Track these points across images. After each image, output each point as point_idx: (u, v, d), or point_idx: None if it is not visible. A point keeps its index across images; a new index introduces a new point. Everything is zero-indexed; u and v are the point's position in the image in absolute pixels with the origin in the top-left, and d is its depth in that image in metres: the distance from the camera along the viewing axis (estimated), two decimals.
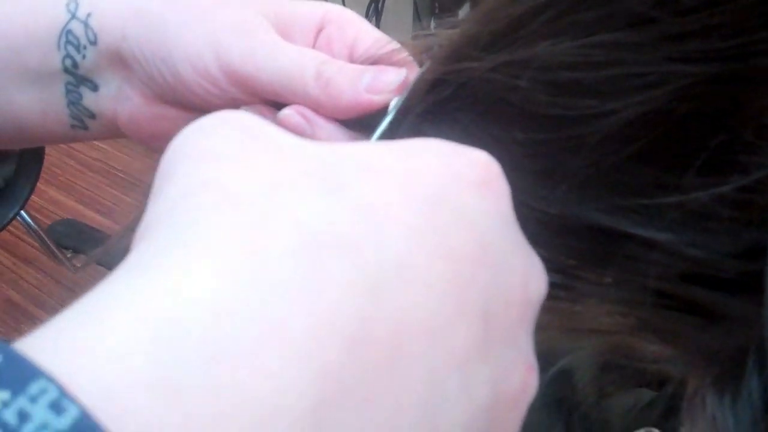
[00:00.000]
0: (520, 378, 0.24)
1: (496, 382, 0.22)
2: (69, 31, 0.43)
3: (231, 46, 0.40)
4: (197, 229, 0.20)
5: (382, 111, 0.37)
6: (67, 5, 0.44)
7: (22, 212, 1.73)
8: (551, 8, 0.28)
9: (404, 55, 0.39)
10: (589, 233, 0.28)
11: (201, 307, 0.18)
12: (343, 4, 1.63)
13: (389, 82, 0.37)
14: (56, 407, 0.15)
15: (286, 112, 0.40)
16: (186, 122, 0.44)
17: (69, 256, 1.95)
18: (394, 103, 0.36)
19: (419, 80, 0.35)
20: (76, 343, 0.17)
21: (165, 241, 0.20)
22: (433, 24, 1.57)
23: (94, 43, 0.43)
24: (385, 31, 1.40)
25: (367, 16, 1.59)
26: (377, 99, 0.37)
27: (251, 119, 0.24)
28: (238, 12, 0.42)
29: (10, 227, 1.69)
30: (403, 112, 0.35)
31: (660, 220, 0.27)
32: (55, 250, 1.91)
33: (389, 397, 0.19)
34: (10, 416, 0.15)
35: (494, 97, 0.30)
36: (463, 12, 1.56)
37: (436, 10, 1.57)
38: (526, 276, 0.24)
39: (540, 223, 0.27)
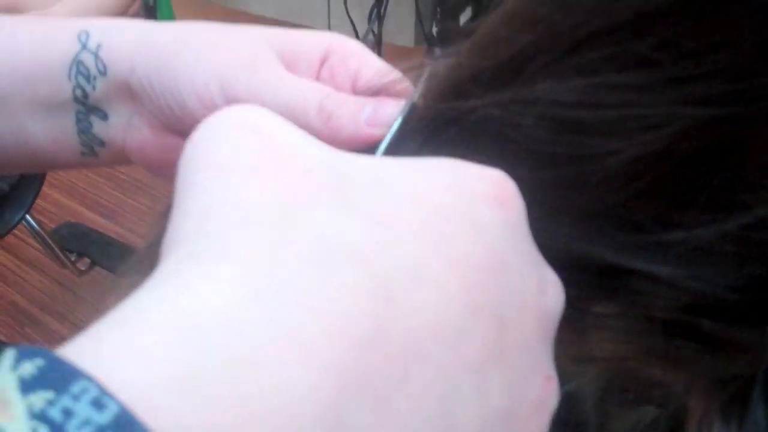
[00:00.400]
0: (539, 387, 0.24)
1: (512, 388, 0.23)
2: (79, 62, 0.44)
3: (237, 78, 0.41)
4: (220, 244, 0.21)
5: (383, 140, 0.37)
6: (78, 36, 0.44)
7: (26, 215, 1.74)
8: (555, 47, 0.28)
9: (406, 85, 0.40)
10: (592, 266, 0.28)
11: (223, 315, 0.19)
12: (346, 9, 1.63)
13: (389, 114, 0.38)
14: (97, 404, 0.16)
15: None
16: None
17: (73, 259, 1.96)
18: (394, 126, 0.36)
19: (416, 111, 0.35)
20: (111, 348, 0.18)
21: (190, 255, 0.21)
22: (435, 28, 1.57)
23: (103, 74, 0.44)
24: (387, 36, 1.40)
25: (369, 22, 1.60)
26: (377, 132, 0.38)
27: (265, 120, 0.25)
28: (244, 44, 0.43)
29: (14, 230, 1.70)
30: (400, 138, 0.36)
31: (663, 254, 0.28)
32: (59, 254, 1.92)
33: (405, 398, 0.20)
34: (55, 413, 0.16)
35: (495, 134, 0.30)
36: (465, 17, 1.56)
37: (438, 16, 1.57)
38: (540, 286, 0.25)
39: (543, 255, 0.27)
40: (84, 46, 0.44)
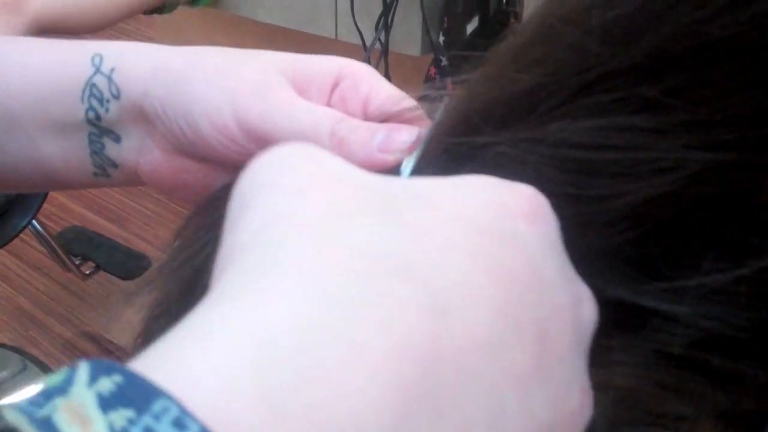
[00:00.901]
0: (576, 399, 0.25)
1: (553, 401, 0.23)
2: (93, 85, 0.44)
3: (249, 104, 0.41)
4: (278, 257, 0.22)
5: (396, 169, 0.37)
6: (92, 59, 0.45)
7: (32, 220, 1.75)
8: (566, 88, 0.29)
9: (417, 111, 0.40)
10: (604, 301, 0.28)
11: (292, 332, 0.19)
12: (353, 18, 1.63)
13: (401, 141, 0.38)
14: (179, 424, 0.17)
15: None
16: (206, 175, 0.46)
17: (77, 262, 1.97)
18: (405, 164, 0.37)
19: (426, 146, 0.36)
20: (186, 365, 0.19)
21: (250, 270, 0.22)
22: (441, 38, 1.57)
23: (117, 97, 0.44)
24: (394, 45, 1.39)
25: (376, 31, 1.60)
26: (389, 158, 0.38)
27: (317, 151, 0.26)
28: (256, 70, 0.43)
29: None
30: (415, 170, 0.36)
31: (677, 295, 0.28)
32: (64, 257, 1.93)
33: (457, 412, 0.21)
34: None
35: (504, 171, 0.30)
36: (472, 26, 1.57)
37: (445, 25, 1.57)
38: (576, 299, 0.25)
39: None
40: (98, 70, 0.44)
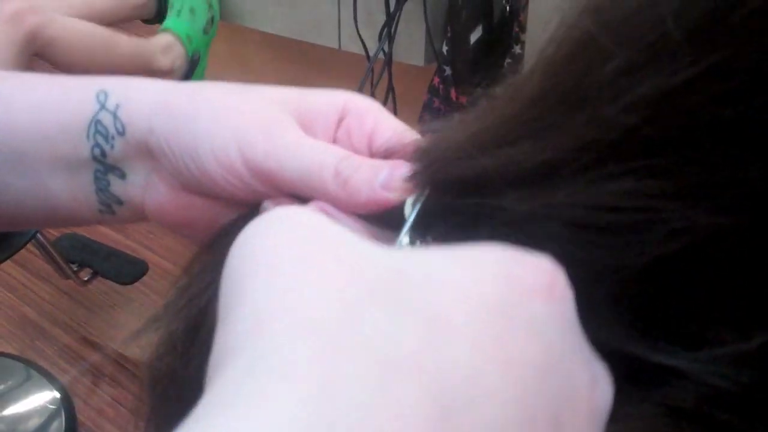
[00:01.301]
0: None
1: None
2: (98, 122, 0.44)
3: (255, 142, 0.41)
4: (274, 359, 0.21)
5: (401, 206, 0.37)
6: (97, 95, 0.45)
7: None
8: (581, 160, 0.28)
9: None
10: (614, 357, 0.28)
11: None
12: (357, 29, 1.64)
13: (404, 178, 0.38)
14: None
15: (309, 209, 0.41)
16: (211, 212, 0.45)
17: (75, 269, 1.96)
18: (409, 202, 0.37)
19: (426, 206, 0.36)
20: None
21: (246, 372, 0.21)
22: (445, 47, 1.58)
23: (122, 133, 0.44)
24: (398, 55, 1.39)
25: (379, 41, 1.60)
26: (393, 196, 0.38)
27: (314, 221, 0.26)
28: (262, 108, 0.43)
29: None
30: (425, 221, 0.36)
31: (687, 353, 0.28)
32: (63, 264, 1.93)
33: None
34: None
35: (510, 228, 0.31)
36: (475, 36, 1.57)
37: (449, 34, 1.58)
38: (591, 382, 0.25)
39: None
40: (102, 106, 0.44)
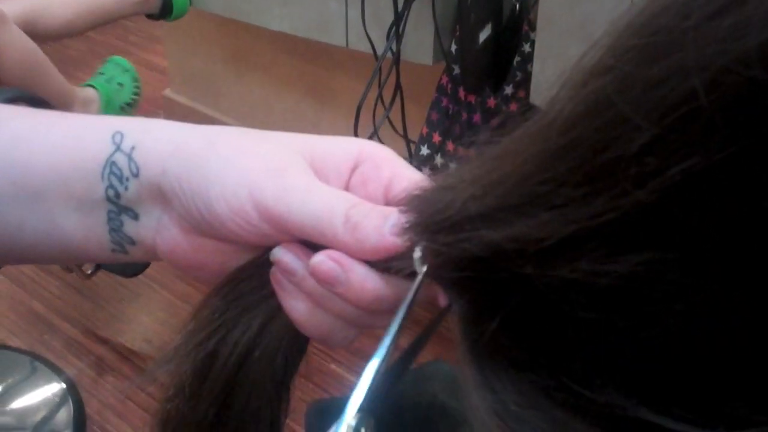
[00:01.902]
0: None
1: None
2: (113, 163, 0.45)
3: (265, 186, 0.42)
4: None
5: (409, 254, 0.38)
6: (113, 137, 0.45)
7: None
8: (605, 230, 0.27)
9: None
10: (630, 423, 0.28)
11: None
12: (365, 28, 1.64)
13: None
14: None
15: (319, 259, 0.41)
16: (223, 255, 0.46)
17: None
18: (417, 254, 0.37)
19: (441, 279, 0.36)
20: None
21: None
22: (453, 46, 1.58)
23: (136, 175, 0.45)
24: (406, 54, 1.39)
25: (387, 40, 1.61)
26: (402, 241, 0.38)
27: None
28: (274, 151, 0.44)
29: None
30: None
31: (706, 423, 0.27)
32: None
33: None
34: None
35: (522, 299, 0.31)
36: (484, 35, 1.57)
37: (457, 33, 1.58)
38: None
39: (580, 409, 0.28)
40: (118, 148, 0.45)
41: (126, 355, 1.94)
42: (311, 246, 0.43)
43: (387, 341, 0.37)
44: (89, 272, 1.84)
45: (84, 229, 0.46)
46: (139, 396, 1.81)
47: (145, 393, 1.80)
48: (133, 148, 0.45)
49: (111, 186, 0.45)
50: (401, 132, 1.77)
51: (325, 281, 0.41)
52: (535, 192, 0.29)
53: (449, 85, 1.64)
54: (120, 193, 0.45)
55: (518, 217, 0.30)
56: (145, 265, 1.95)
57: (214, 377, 0.45)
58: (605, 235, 0.27)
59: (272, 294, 0.44)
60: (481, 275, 0.32)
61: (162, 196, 0.45)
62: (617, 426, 0.28)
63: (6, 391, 1.80)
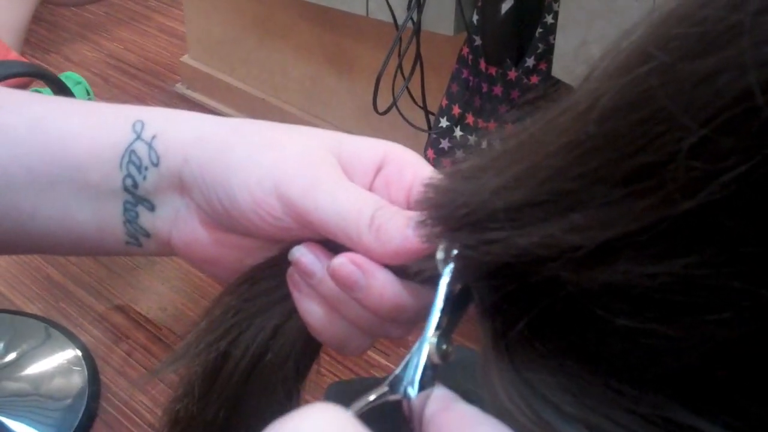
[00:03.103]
0: None
1: None
2: (132, 152, 0.44)
3: (293, 179, 0.41)
4: None
5: (432, 258, 0.36)
6: (133, 125, 0.44)
7: None
8: (646, 235, 0.26)
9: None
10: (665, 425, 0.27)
11: None
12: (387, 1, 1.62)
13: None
14: None
15: (340, 261, 0.40)
16: (239, 251, 0.45)
17: None
18: (440, 255, 0.35)
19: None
20: None
21: None
22: (475, 17, 1.55)
23: (156, 164, 0.44)
24: (426, 24, 1.38)
25: (408, 9, 1.58)
26: (425, 244, 0.37)
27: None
28: (304, 145, 0.43)
29: None
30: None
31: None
32: None
33: None
34: None
35: (563, 305, 0.29)
36: (507, 5, 1.55)
37: (479, 4, 1.55)
38: None
39: (630, 413, 0.27)
40: (138, 136, 0.44)
41: (141, 322, 1.94)
42: (331, 248, 0.42)
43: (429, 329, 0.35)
44: None
45: (98, 219, 0.46)
46: (154, 364, 1.81)
47: (159, 362, 1.80)
48: (154, 137, 0.44)
49: (129, 175, 0.44)
50: (420, 103, 1.75)
51: (345, 285, 0.40)
52: (566, 189, 0.27)
53: (470, 57, 1.62)
54: (138, 183, 0.44)
55: (548, 216, 0.28)
56: None
57: (224, 379, 0.44)
58: (647, 241, 0.25)
59: (288, 296, 0.43)
60: (507, 280, 0.31)
61: (182, 186, 0.44)
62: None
63: (21, 357, 1.81)
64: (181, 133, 0.44)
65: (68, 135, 0.45)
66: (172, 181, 0.44)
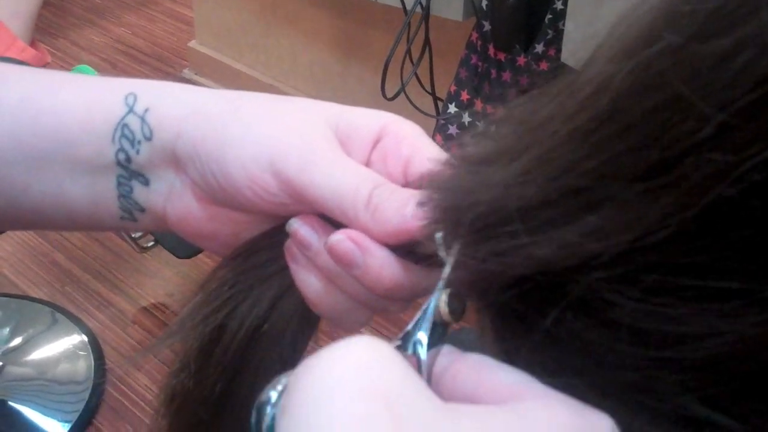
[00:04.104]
0: None
1: None
2: (125, 125, 0.43)
3: (289, 155, 0.40)
4: None
5: (430, 239, 0.35)
6: (126, 98, 0.43)
7: None
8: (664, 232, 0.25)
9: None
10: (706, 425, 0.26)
11: None
12: None
13: None
14: None
15: (338, 238, 0.39)
16: (235, 226, 0.44)
17: (138, 235, 1.93)
18: (439, 237, 0.34)
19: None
20: None
21: None
22: (485, 2, 1.54)
23: (149, 138, 0.43)
24: (435, 9, 1.36)
25: None
26: (423, 226, 0.36)
27: (382, 370, 0.25)
28: (302, 121, 0.42)
29: None
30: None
31: None
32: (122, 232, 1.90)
33: None
34: None
35: (579, 316, 0.28)
36: None
37: None
38: None
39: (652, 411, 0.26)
40: (131, 109, 0.43)
41: (147, 308, 1.94)
42: (329, 219, 0.41)
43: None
44: (146, 245, 1.79)
45: (92, 194, 0.45)
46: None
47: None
48: (146, 110, 0.43)
49: (122, 149, 0.43)
50: (429, 89, 1.74)
51: (342, 262, 0.39)
52: (579, 186, 0.26)
53: (479, 42, 1.61)
54: (131, 158, 0.44)
55: (563, 218, 0.26)
56: (199, 250, 1.92)
57: (221, 352, 0.43)
58: (669, 242, 0.24)
59: (285, 268, 0.43)
60: (522, 291, 0.30)
61: (176, 160, 0.43)
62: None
63: (27, 342, 1.81)
64: (175, 107, 0.43)
65: (60, 109, 0.44)
66: (165, 155, 0.43)
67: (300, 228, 0.41)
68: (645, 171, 0.24)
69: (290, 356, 0.44)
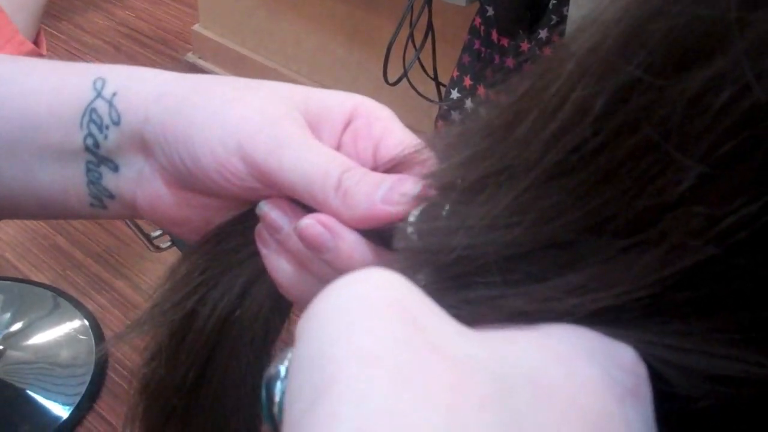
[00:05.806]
0: None
1: None
2: (93, 110, 0.43)
3: (257, 139, 0.39)
4: None
5: (402, 221, 0.35)
6: (94, 83, 0.43)
7: None
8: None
9: (428, 159, 0.38)
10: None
11: None
12: None
13: (404, 193, 0.36)
14: None
15: (307, 222, 0.39)
16: (205, 211, 0.43)
17: (156, 234, 1.90)
18: (414, 217, 0.34)
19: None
20: None
21: None
22: None
23: (117, 123, 0.42)
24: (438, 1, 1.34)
25: None
26: (392, 210, 0.36)
27: (404, 298, 0.24)
28: (271, 104, 0.41)
29: None
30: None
31: None
32: (134, 229, 1.87)
33: None
34: None
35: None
36: None
37: None
38: None
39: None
40: (99, 94, 0.43)
41: (149, 292, 1.93)
42: (300, 203, 0.40)
43: None
44: (163, 246, 1.76)
45: (62, 181, 0.44)
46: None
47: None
48: (114, 94, 0.43)
49: (90, 134, 0.43)
50: (431, 74, 1.73)
51: (313, 246, 0.39)
52: (562, 240, 0.25)
53: (482, 27, 1.60)
54: (99, 143, 0.43)
55: (543, 274, 0.25)
56: None
57: (192, 339, 0.43)
58: (648, 304, 0.23)
59: (256, 254, 0.42)
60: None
61: (144, 145, 0.43)
62: None
63: (29, 325, 1.81)
64: (143, 91, 0.42)
65: (28, 94, 0.43)
66: (134, 140, 0.42)
67: (270, 211, 0.41)
68: (627, 225, 0.23)
69: (262, 343, 0.44)
